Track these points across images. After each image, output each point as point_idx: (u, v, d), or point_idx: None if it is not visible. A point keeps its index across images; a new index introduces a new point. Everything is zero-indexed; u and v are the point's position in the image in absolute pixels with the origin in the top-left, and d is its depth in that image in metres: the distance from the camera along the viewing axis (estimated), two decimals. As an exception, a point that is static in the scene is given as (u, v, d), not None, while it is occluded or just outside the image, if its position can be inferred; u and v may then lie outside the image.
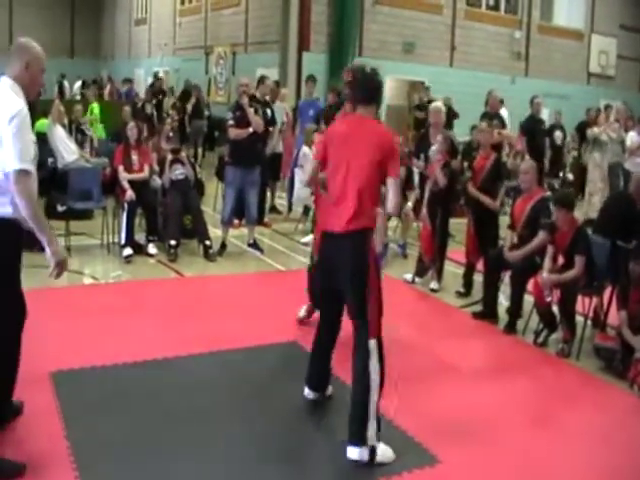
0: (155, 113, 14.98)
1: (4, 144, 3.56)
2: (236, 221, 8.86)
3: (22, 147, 3.57)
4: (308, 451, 4.11)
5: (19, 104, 3.63)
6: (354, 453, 3.91)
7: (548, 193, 8.28)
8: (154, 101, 15.56)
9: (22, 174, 3.54)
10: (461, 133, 10.72)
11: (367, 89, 4.20)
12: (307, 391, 4.58)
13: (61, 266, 3.69)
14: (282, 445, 4.11)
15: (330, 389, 4.61)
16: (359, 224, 3.96)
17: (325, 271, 4.23)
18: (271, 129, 9.79)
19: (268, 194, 10.52)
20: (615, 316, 5.81)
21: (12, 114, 3.56)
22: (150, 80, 20.66)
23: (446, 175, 7.31)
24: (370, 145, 4.01)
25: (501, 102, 15.92)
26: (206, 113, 16.38)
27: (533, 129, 11.89)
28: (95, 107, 13.45)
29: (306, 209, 9.95)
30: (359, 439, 3.91)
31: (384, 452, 3.97)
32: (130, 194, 7.98)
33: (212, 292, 6.93)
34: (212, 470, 3.80)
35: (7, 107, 3.58)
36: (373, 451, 3.91)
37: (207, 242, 8.18)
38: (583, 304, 6.16)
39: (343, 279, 4.02)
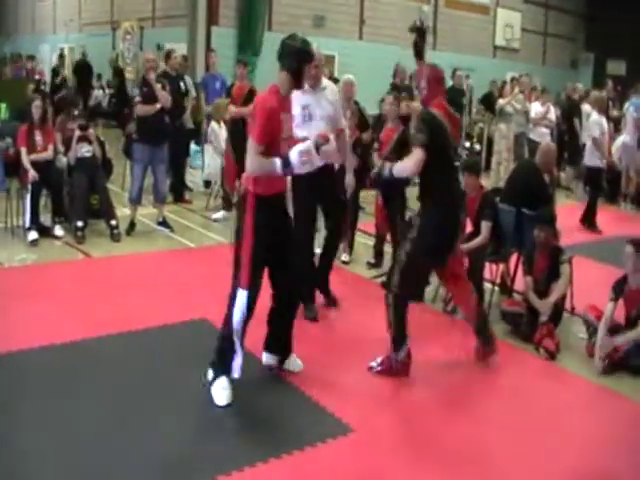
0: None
1: None
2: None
3: None
4: (214, 430, 4.10)
5: None
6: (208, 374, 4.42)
7: (456, 163, 8.42)
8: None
9: None
10: (371, 106, 10.77)
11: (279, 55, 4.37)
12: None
13: None
14: (188, 420, 4.10)
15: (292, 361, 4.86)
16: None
17: None
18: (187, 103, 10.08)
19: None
20: (521, 282, 5.99)
21: None
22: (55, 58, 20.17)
23: (357, 154, 7.39)
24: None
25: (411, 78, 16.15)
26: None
27: (453, 101, 12.16)
28: None
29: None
30: (210, 363, 4.43)
31: (216, 389, 4.34)
32: (33, 174, 7.74)
33: (121, 272, 6.81)
34: (120, 456, 3.75)
35: None
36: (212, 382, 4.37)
37: (113, 222, 8.01)
38: (490, 271, 6.33)
39: None
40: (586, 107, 12.87)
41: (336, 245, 6.29)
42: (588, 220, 10.05)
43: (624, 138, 12.07)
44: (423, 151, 4.54)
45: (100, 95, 18.16)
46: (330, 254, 6.20)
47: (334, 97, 6.00)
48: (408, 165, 4.68)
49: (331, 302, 6.21)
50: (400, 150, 7.19)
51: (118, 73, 18.32)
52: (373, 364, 4.93)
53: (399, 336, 4.86)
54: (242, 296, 4.25)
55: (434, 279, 6.53)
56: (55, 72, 18.20)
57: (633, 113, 12.31)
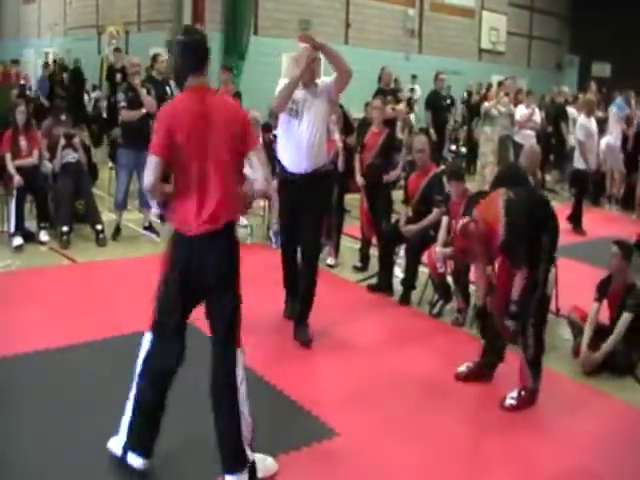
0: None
1: None
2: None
3: None
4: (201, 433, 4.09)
5: None
6: None
7: (442, 167, 8.46)
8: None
9: None
10: (356, 110, 10.80)
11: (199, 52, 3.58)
12: None
13: None
14: (178, 430, 4.08)
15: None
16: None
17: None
18: None
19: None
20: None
21: None
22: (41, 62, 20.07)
23: (345, 159, 7.46)
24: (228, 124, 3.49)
25: (413, 77, 16.35)
26: None
27: (436, 104, 12.30)
28: None
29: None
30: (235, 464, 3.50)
31: (264, 463, 3.62)
32: (18, 180, 7.72)
33: (106, 277, 6.79)
34: (111, 460, 3.69)
35: None
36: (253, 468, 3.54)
37: (98, 227, 7.99)
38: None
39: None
40: (572, 110, 12.95)
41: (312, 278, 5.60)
42: (575, 222, 10.10)
43: (607, 139, 12.15)
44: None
45: (85, 99, 18.06)
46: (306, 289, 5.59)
47: (327, 83, 5.42)
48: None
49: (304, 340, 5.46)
50: (385, 154, 7.24)
51: (76, 75, 18.11)
52: (510, 401, 4.59)
53: (541, 362, 4.74)
54: (241, 356, 3.59)
55: (419, 282, 6.57)
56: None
57: (618, 112, 12.42)
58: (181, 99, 3.52)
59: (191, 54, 3.53)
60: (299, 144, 5.27)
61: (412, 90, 16.05)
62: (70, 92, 16.90)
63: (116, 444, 3.64)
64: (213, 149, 3.42)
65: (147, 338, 3.66)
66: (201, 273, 3.51)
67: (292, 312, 5.77)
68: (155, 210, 3.07)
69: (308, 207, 5.38)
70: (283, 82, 5.32)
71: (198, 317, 5.58)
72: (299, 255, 5.69)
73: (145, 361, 3.62)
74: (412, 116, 15.12)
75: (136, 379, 3.61)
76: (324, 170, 5.50)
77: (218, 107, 3.51)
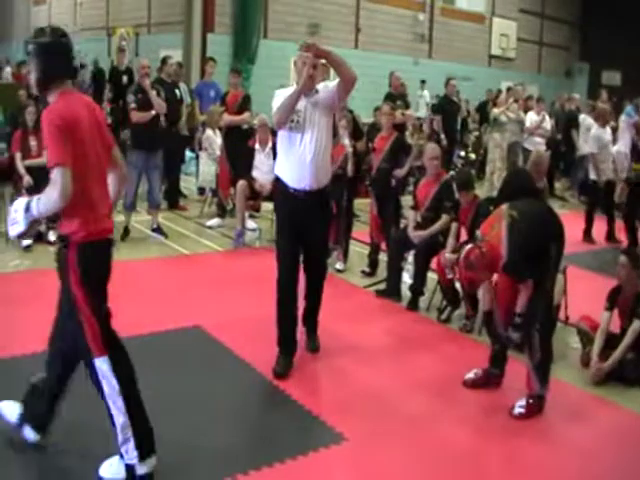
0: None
1: None
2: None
3: None
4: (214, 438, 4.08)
5: None
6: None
7: (451, 173, 8.48)
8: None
9: None
10: (365, 115, 10.81)
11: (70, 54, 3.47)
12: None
13: None
14: (187, 431, 4.07)
15: None
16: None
17: None
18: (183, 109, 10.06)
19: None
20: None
21: None
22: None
23: (355, 164, 7.45)
24: None
25: (423, 82, 16.37)
26: None
27: (445, 110, 12.31)
28: None
29: (213, 192, 9.89)
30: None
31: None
32: (27, 180, 7.75)
33: (114, 278, 6.63)
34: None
35: None
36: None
37: None
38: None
39: None
40: (588, 120, 12.86)
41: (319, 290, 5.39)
42: (586, 233, 10.01)
43: (618, 147, 12.09)
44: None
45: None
46: (313, 299, 5.40)
47: (329, 89, 4.92)
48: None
49: (313, 346, 5.39)
50: (394, 158, 7.25)
51: (97, 76, 18.13)
52: (519, 410, 4.53)
53: (549, 369, 4.71)
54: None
55: (428, 288, 6.56)
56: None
57: (628, 119, 12.36)
58: (68, 103, 3.33)
59: (64, 56, 3.41)
60: (302, 159, 4.78)
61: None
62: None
63: (118, 470, 3.54)
64: (102, 149, 3.47)
65: (103, 361, 3.58)
66: (108, 272, 3.77)
67: (285, 368, 4.92)
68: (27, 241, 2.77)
69: (313, 221, 5.01)
70: (281, 94, 4.83)
71: (201, 320, 5.66)
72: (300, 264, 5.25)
73: (119, 379, 3.57)
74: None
75: (119, 401, 3.52)
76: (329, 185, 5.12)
77: (93, 107, 3.53)
